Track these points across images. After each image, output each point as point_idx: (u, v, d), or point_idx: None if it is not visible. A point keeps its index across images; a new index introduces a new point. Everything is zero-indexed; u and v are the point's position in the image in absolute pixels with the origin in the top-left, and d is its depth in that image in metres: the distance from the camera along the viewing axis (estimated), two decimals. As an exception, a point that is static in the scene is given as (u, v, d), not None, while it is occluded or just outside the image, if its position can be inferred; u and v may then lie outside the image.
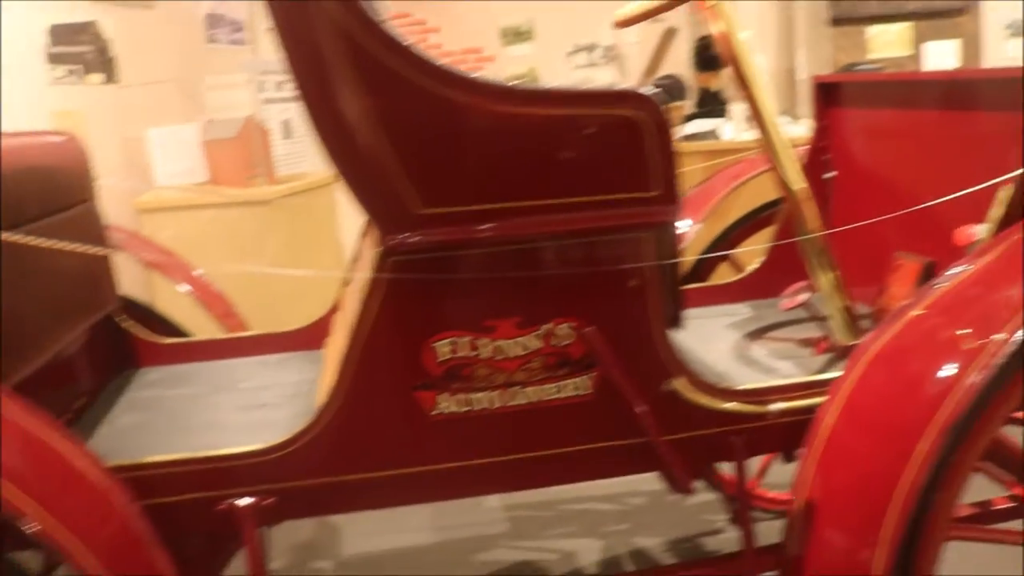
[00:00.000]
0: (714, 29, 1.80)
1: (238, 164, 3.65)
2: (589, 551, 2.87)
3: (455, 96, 1.32)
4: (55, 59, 3.52)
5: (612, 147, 1.41)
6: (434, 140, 1.35)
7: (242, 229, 3.53)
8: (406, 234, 1.39)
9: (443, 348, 1.49)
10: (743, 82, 1.81)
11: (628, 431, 1.59)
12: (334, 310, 2.20)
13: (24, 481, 1.23)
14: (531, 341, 1.52)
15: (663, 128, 1.42)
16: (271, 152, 3.81)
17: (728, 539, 2.86)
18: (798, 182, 1.85)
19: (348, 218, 4.71)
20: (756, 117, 1.82)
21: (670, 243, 1.56)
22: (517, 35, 6.66)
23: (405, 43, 1.27)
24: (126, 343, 2.18)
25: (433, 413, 1.51)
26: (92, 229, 2.06)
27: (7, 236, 1.54)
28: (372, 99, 1.28)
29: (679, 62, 6.25)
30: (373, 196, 1.37)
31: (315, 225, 3.91)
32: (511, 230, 1.41)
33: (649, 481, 2.83)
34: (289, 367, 2.11)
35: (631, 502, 3.14)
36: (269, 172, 3.74)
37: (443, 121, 1.34)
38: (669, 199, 1.47)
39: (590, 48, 6.70)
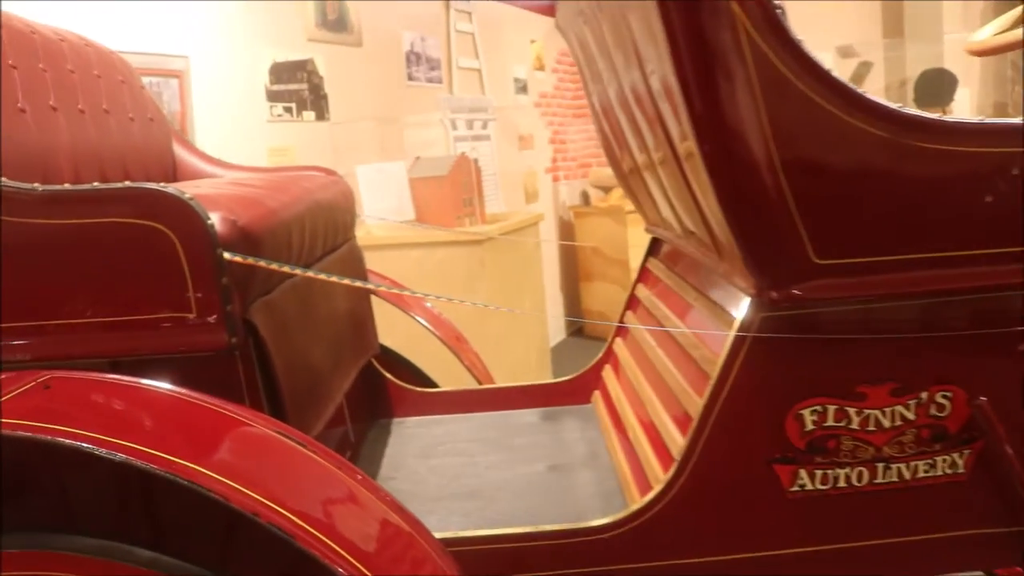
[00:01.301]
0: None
1: (447, 202, 3.55)
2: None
3: (869, 127, 1.11)
4: (273, 96, 3.51)
5: None
6: (839, 177, 1.14)
7: (452, 268, 3.41)
8: (794, 287, 1.19)
9: (809, 416, 1.28)
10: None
11: (1006, 517, 1.35)
12: (602, 362, 2.03)
13: (359, 550, 1.08)
14: (905, 411, 1.30)
15: None
16: (482, 191, 3.70)
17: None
18: None
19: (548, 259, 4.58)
20: None
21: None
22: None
23: (821, 65, 1.08)
24: (382, 391, 2.06)
25: (791, 490, 1.30)
26: (357, 268, 1.95)
27: (304, 272, 1.42)
28: (774, 125, 1.09)
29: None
30: (759, 242, 1.18)
31: (523, 266, 3.77)
32: (918, 285, 1.19)
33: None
34: (560, 423, 1.93)
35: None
36: (480, 211, 3.62)
37: (852, 155, 1.13)
38: None
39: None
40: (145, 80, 2.69)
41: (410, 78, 4.50)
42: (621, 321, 2.00)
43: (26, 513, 1.27)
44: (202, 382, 1.21)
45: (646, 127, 1.50)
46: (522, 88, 5.80)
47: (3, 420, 1.08)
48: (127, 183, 1.18)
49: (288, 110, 3.58)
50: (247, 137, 3.38)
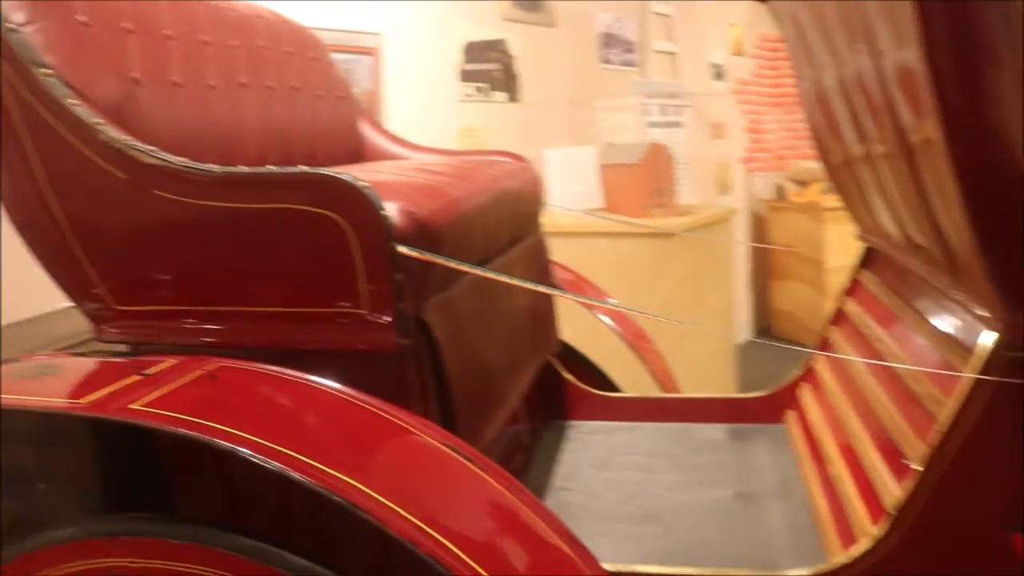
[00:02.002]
0: None
1: (638, 192, 3.40)
2: None
3: None
4: (466, 76, 3.46)
5: None
6: None
7: (638, 260, 3.26)
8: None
9: (1059, 478, 1.08)
10: None
11: None
12: (800, 379, 1.84)
13: None
14: None
15: None
16: (675, 181, 3.52)
17: None
18: None
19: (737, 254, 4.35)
20: None
21: None
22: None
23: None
24: (559, 391, 1.95)
25: (1030, 563, 1.10)
26: (540, 262, 1.84)
27: (482, 272, 1.31)
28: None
29: None
30: (1015, 266, 0.99)
31: (712, 262, 3.57)
32: None
33: None
34: (749, 443, 1.77)
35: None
36: (671, 202, 3.45)
37: None
38: None
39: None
40: (337, 57, 2.69)
41: (603, 60, 4.36)
42: (826, 336, 1.81)
43: (192, 505, 1.24)
44: (369, 382, 1.13)
45: (869, 117, 1.32)
46: (717, 74, 5.54)
47: (168, 413, 1.04)
48: (301, 168, 1.12)
49: (480, 90, 3.53)
50: (437, 116, 3.35)
